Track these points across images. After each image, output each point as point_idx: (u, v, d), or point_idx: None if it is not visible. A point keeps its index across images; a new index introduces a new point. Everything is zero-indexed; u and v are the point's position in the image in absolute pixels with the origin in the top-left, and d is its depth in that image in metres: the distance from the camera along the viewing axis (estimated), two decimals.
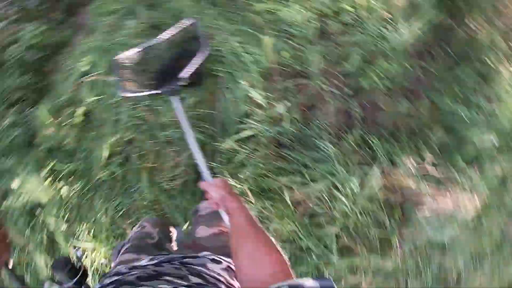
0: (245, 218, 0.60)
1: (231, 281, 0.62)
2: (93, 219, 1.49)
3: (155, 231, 0.95)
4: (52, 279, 0.71)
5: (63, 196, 1.51)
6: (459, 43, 1.65)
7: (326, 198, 1.35)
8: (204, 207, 1.07)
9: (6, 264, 0.64)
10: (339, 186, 1.36)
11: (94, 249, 1.50)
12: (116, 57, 1.12)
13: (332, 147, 1.38)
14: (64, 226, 1.49)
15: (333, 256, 1.43)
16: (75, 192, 1.51)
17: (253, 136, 1.37)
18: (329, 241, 1.40)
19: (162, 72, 1.21)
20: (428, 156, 1.45)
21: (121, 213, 1.50)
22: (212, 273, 0.61)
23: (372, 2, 1.54)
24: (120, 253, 0.83)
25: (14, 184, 1.48)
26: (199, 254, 0.68)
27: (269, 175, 1.34)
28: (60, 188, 1.52)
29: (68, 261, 0.70)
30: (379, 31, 1.52)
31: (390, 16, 1.56)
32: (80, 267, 0.72)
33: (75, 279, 0.71)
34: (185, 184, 1.45)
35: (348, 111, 1.50)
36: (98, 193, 1.52)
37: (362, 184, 1.38)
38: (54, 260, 0.71)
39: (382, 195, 1.44)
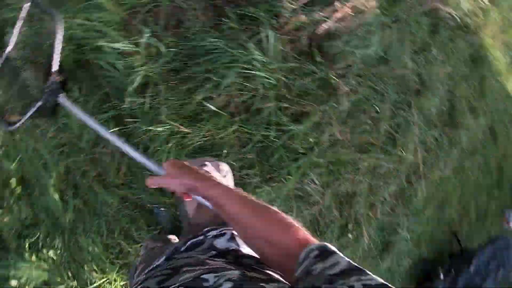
0: (232, 201, 0.50)
1: (242, 249, 0.58)
2: (90, 258, 1.50)
3: (159, 243, 0.94)
4: None
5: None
6: None
7: (245, 84, 1.35)
8: (185, 211, 0.98)
9: None
10: (249, 67, 1.35)
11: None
12: None
13: (220, 40, 1.36)
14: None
15: (292, 127, 1.45)
16: (57, 251, 1.51)
17: (147, 82, 1.34)
18: (276, 118, 1.42)
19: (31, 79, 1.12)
20: None
21: (105, 233, 1.51)
22: (222, 248, 0.58)
23: None
24: (138, 278, 0.74)
25: None
26: (199, 234, 0.62)
27: (184, 100, 1.33)
28: (47, 259, 1.52)
29: None
30: None
31: None
32: None
33: None
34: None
35: (212, 6, 1.47)
36: (75, 235, 1.52)
37: (265, 52, 1.38)
38: None
39: (289, 48, 1.44)
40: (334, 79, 1.52)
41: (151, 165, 0.64)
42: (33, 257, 1.56)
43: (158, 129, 1.29)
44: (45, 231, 1.59)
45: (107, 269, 1.54)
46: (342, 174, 1.61)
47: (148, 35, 1.30)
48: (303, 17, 1.39)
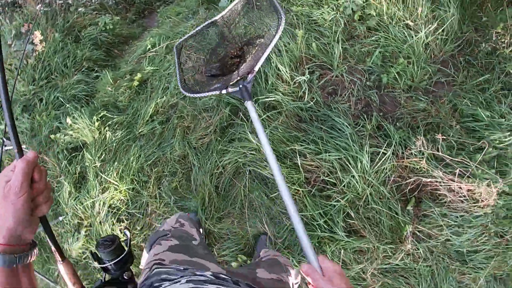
0: None
1: None
2: (124, 163, 1.70)
3: (195, 233, 0.99)
4: (95, 257, 0.69)
5: (105, 139, 1.77)
6: (483, 55, 1.74)
7: (337, 169, 1.43)
8: (264, 251, 1.17)
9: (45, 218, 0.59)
10: (351, 160, 1.43)
11: (116, 189, 1.68)
12: (177, 43, 1.25)
13: (348, 126, 1.49)
14: (98, 164, 1.72)
15: (339, 232, 1.45)
16: (116, 139, 1.76)
17: (277, 107, 1.54)
18: (336, 216, 1.44)
19: (227, 65, 1.25)
20: (444, 146, 1.48)
21: (150, 162, 1.70)
22: None
23: (396, 10, 1.74)
24: (163, 245, 0.84)
25: (68, 120, 1.77)
26: None
27: (285, 141, 1.47)
28: (105, 133, 1.78)
29: (114, 240, 0.67)
30: (402, 35, 1.68)
31: (412, 23, 1.73)
32: (125, 249, 0.69)
33: (117, 259, 0.67)
34: (210, 143, 1.63)
35: (367, 101, 1.62)
36: (136, 143, 1.75)
37: (373, 164, 1.44)
38: (100, 239, 0.68)
39: (393, 177, 1.48)
40: (407, 233, 1.48)
41: (310, 251, 0.58)
42: (96, 125, 1.85)
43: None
44: (120, 121, 1.86)
45: (124, 180, 1.71)
46: None
47: (305, 78, 1.51)
48: (422, 163, 1.43)
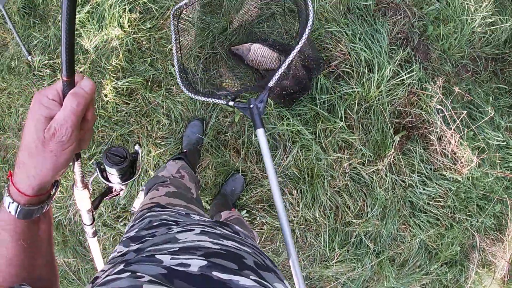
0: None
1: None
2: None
3: (193, 187, 0.99)
4: (99, 168, 0.62)
5: None
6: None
7: (362, 63, 1.46)
8: (228, 212, 1.23)
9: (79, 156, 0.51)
10: (376, 65, 1.47)
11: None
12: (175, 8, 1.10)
13: (385, 39, 1.54)
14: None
15: (337, 117, 1.46)
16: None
17: None
18: (340, 103, 1.45)
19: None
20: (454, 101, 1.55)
21: None
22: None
23: None
24: (160, 191, 0.84)
25: None
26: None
27: (330, 19, 1.48)
28: None
29: (125, 157, 0.60)
30: (461, 9, 1.79)
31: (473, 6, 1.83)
32: (134, 167, 0.63)
33: (126, 181, 0.62)
34: None
35: (407, 36, 1.69)
36: None
37: (390, 82, 1.50)
38: (110, 149, 0.60)
39: (399, 105, 1.54)
40: (387, 154, 1.54)
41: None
42: None
43: None
44: None
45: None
46: None
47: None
48: (432, 102, 1.50)
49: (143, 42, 1.67)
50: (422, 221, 1.67)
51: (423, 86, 1.56)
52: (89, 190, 0.59)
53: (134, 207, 0.90)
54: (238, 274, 0.42)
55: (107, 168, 0.60)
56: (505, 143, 1.64)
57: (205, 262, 0.42)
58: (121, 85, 1.60)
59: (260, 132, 0.70)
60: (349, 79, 1.48)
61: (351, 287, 1.72)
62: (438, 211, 1.64)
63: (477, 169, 1.56)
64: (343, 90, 1.45)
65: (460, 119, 1.52)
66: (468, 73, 1.84)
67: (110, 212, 1.68)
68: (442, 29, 1.73)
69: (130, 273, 0.38)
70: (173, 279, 0.38)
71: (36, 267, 0.44)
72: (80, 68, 1.69)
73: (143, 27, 1.64)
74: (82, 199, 0.59)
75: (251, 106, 0.73)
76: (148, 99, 1.63)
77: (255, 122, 0.71)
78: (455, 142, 1.52)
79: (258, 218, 1.60)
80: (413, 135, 1.57)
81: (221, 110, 1.58)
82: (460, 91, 1.54)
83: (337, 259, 1.66)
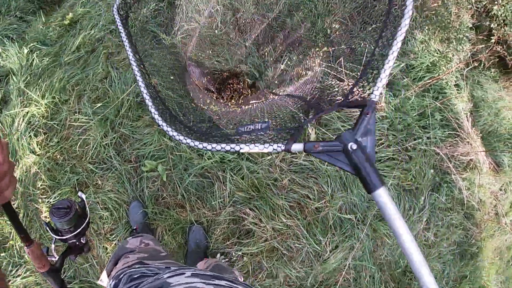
0: None
1: None
2: (48, 83, 1.74)
3: (162, 249, 0.97)
4: (50, 227, 0.61)
5: (32, 65, 1.82)
6: None
7: None
8: (204, 262, 1.23)
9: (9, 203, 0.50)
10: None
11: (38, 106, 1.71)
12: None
13: None
14: (22, 85, 1.75)
15: None
16: (42, 65, 1.81)
17: None
18: None
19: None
20: None
21: (72, 83, 1.76)
22: None
23: None
24: (131, 258, 0.80)
25: None
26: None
27: None
28: (32, 60, 1.84)
29: (70, 206, 0.59)
30: None
31: None
32: (83, 214, 0.63)
33: (78, 230, 0.60)
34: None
35: None
36: (61, 68, 1.82)
37: None
38: (54, 205, 0.59)
39: None
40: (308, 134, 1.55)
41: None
42: (24, 52, 1.89)
43: None
44: (48, 52, 1.94)
45: (45, 98, 1.72)
46: None
47: None
48: None
49: (58, 156, 1.73)
50: (381, 169, 1.65)
51: None
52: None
53: (101, 280, 0.85)
54: None
55: (58, 225, 0.59)
56: None
57: None
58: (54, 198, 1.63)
59: (382, 192, 0.42)
60: None
61: (363, 265, 1.64)
62: (388, 152, 1.63)
63: (394, 98, 1.59)
64: None
65: None
66: None
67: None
68: None
69: None
70: None
71: None
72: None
73: (52, 144, 1.72)
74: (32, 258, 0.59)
75: (350, 146, 0.42)
76: None
77: (371, 178, 0.41)
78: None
79: (234, 254, 1.55)
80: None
81: (148, 178, 1.60)
82: None
83: (329, 247, 1.59)
